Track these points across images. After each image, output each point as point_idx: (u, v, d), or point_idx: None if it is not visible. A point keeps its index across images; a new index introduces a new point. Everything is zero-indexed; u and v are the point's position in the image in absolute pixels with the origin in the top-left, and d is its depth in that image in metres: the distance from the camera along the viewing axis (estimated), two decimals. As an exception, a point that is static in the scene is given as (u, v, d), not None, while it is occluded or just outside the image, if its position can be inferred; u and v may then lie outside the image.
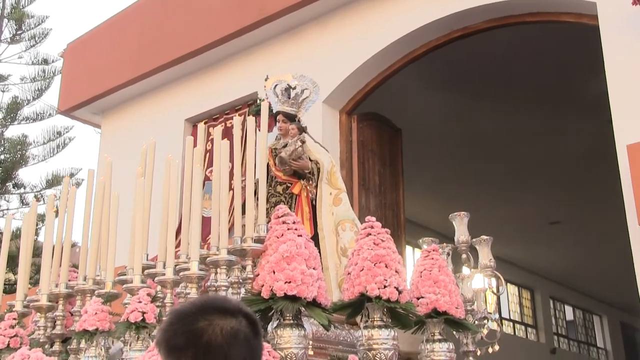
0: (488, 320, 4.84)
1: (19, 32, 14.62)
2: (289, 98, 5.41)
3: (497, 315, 4.90)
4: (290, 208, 4.91)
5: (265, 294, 3.40)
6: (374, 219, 3.89)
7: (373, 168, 7.67)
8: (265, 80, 5.64)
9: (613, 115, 5.65)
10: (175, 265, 3.68)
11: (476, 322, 4.70)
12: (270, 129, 5.58)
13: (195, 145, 3.94)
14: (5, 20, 14.68)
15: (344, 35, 7.51)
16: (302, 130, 5.41)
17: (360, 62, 7.33)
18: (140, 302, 3.43)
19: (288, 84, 5.43)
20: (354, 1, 7.51)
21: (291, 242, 3.43)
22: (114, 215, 3.95)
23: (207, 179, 5.50)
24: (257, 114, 5.47)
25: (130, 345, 3.47)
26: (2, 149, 13.90)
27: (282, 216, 3.57)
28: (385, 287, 3.57)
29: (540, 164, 10.88)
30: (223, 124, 8.09)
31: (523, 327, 16.38)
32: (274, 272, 3.39)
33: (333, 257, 4.94)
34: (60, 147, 14.10)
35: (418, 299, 3.93)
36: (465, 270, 4.97)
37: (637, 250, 5.16)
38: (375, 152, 7.75)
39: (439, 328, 3.98)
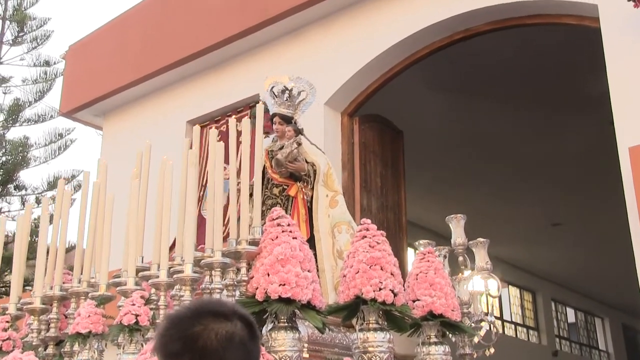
0: (488, 318, 4.80)
1: (21, 34, 14.68)
2: (286, 100, 5.40)
3: (493, 318, 4.86)
4: (286, 210, 4.90)
5: (259, 297, 3.39)
6: (369, 221, 3.86)
7: (375, 170, 7.65)
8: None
9: (615, 117, 5.62)
10: (170, 268, 3.66)
11: (472, 324, 4.67)
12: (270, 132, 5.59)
13: (190, 147, 3.92)
14: (8, 22, 14.74)
15: (346, 37, 7.50)
16: (299, 132, 5.40)
17: (362, 64, 7.31)
18: (133, 304, 3.41)
19: (285, 86, 5.43)
20: (356, 3, 7.50)
21: (286, 245, 3.42)
22: (109, 217, 3.94)
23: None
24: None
25: (123, 348, 3.45)
26: (4, 150, 13.94)
27: (276, 218, 3.56)
28: (380, 289, 3.56)
29: (542, 165, 10.85)
30: (224, 126, 8.07)
31: (525, 330, 16.34)
32: (269, 275, 3.38)
33: (329, 259, 4.93)
34: (62, 149, 14.14)
35: (414, 301, 3.92)
36: (465, 272, 4.95)
37: (639, 253, 5.13)
38: (376, 153, 7.73)
39: (435, 331, 3.96)
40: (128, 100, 9.39)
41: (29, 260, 4.96)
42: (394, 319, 3.77)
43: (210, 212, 3.64)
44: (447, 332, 4.19)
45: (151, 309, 3.60)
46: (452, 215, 4.94)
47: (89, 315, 3.62)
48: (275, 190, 5.22)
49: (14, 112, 14.14)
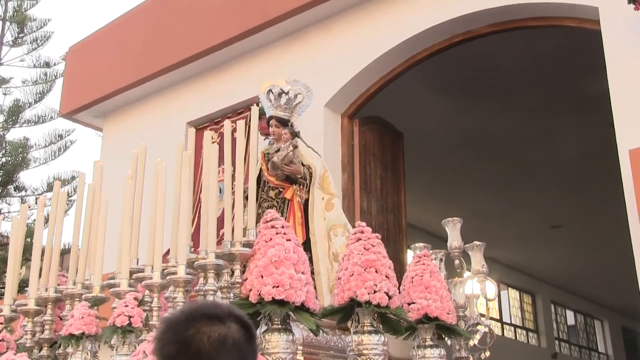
0: (484, 321, 4.78)
1: (21, 35, 14.72)
2: (282, 103, 5.39)
3: (489, 321, 4.84)
4: (282, 213, 4.90)
5: (253, 299, 3.38)
6: (364, 223, 3.85)
7: (375, 172, 7.63)
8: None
9: (615, 120, 5.60)
10: (164, 270, 3.65)
11: (469, 328, 4.65)
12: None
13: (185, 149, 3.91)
14: (8, 23, 14.77)
15: (346, 39, 7.48)
16: (295, 135, 5.39)
17: (363, 66, 7.29)
18: (127, 306, 3.40)
19: (281, 89, 5.42)
20: (356, 5, 7.49)
21: (280, 247, 3.41)
22: (103, 219, 3.93)
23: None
24: (258, 118, 5.45)
25: (116, 350, 3.44)
26: (4, 151, 13.97)
27: (270, 220, 3.55)
28: (375, 292, 3.55)
29: (541, 167, 10.83)
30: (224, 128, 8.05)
31: (524, 332, 16.32)
32: (262, 277, 3.37)
33: (325, 262, 4.92)
34: (62, 150, 14.16)
35: (409, 304, 3.91)
36: (460, 275, 4.93)
37: (638, 255, 5.11)
38: (376, 155, 7.72)
39: (431, 334, 3.95)
40: (128, 102, 9.38)
41: (28, 261, 4.95)
42: (389, 321, 3.77)
43: (204, 214, 3.63)
44: (443, 335, 4.17)
45: (145, 310, 3.59)
46: (448, 219, 4.93)
47: (82, 317, 3.61)
48: (272, 193, 5.21)
49: (14, 113, 14.17)
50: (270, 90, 5.46)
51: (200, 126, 7.98)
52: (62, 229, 4.26)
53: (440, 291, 3.89)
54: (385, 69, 7.42)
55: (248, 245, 3.61)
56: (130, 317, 3.40)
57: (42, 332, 4.20)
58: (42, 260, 4.32)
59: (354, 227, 4.10)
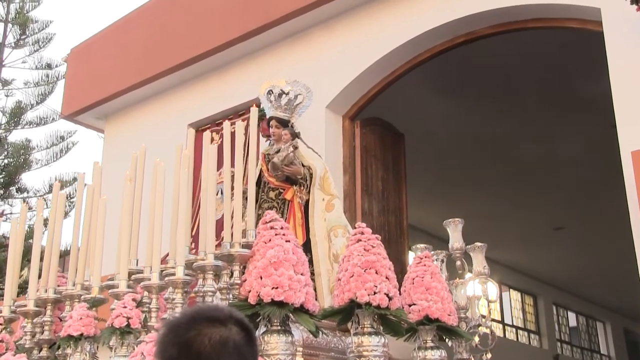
0: (485, 323, 4.76)
1: (23, 36, 14.75)
2: (283, 104, 5.38)
3: (490, 323, 4.82)
4: (282, 214, 4.90)
5: (252, 300, 3.37)
6: (364, 224, 3.83)
7: (376, 173, 7.62)
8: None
9: (617, 121, 5.58)
10: (162, 271, 3.63)
11: (470, 329, 4.63)
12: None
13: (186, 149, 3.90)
14: (10, 24, 14.81)
15: (347, 40, 7.47)
16: (295, 135, 5.38)
17: (364, 67, 7.28)
18: (125, 307, 3.39)
19: (281, 90, 5.41)
20: (357, 7, 7.47)
21: (279, 248, 3.40)
22: (102, 220, 3.92)
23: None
24: (259, 119, 5.44)
25: (115, 351, 3.42)
26: (6, 153, 13.99)
27: (269, 221, 3.53)
28: (375, 293, 3.54)
29: (544, 168, 10.82)
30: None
31: (526, 333, 16.31)
32: (261, 278, 3.36)
33: (325, 263, 4.90)
34: (64, 151, 14.19)
35: (410, 305, 3.89)
36: (462, 277, 4.91)
37: (641, 257, 5.08)
38: (378, 157, 7.70)
39: (431, 335, 3.93)
40: (130, 103, 9.38)
41: (29, 263, 4.95)
42: (389, 323, 3.75)
43: (203, 215, 3.62)
44: (444, 337, 4.15)
45: (143, 311, 3.57)
46: (449, 220, 4.91)
47: (81, 318, 3.60)
48: (272, 194, 5.20)
49: (16, 115, 14.20)
50: (270, 91, 5.45)
51: (201, 128, 7.97)
52: (61, 230, 4.25)
53: (441, 292, 3.87)
54: (387, 70, 7.40)
55: (247, 246, 3.60)
56: (128, 318, 3.38)
57: (42, 333, 4.19)
58: (41, 261, 4.31)
59: (354, 228, 4.08)
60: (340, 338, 4.24)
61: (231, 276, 3.62)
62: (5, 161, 13.94)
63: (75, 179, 13.44)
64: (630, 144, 5.38)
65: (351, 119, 7.60)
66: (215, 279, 3.63)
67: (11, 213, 14.01)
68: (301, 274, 3.41)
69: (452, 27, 6.92)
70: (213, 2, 8.47)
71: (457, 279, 4.84)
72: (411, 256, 8.68)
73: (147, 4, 9.41)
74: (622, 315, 18.93)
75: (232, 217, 3.82)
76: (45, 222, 9.42)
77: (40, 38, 14.82)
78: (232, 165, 3.95)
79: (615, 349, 18.87)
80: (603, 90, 6.03)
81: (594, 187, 11.07)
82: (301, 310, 3.41)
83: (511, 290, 15.85)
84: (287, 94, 5.41)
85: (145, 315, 3.57)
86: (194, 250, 4.34)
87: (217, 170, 5.63)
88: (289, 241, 3.47)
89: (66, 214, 9.32)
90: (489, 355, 4.65)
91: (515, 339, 15.72)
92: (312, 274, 4.46)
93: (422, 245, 4.64)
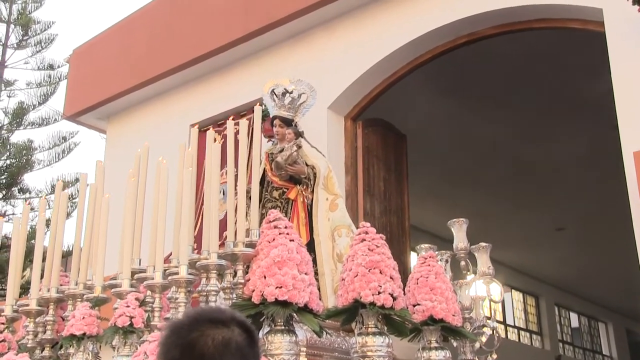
0: (490, 324, 4.74)
1: (25, 37, 14.77)
2: (286, 103, 5.36)
3: (495, 323, 4.80)
4: (286, 213, 4.88)
5: (256, 299, 3.35)
6: (368, 224, 3.82)
7: (378, 174, 7.61)
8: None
9: (619, 122, 5.58)
10: (166, 270, 3.62)
11: (475, 330, 4.61)
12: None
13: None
14: (12, 25, 14.82)
15: (349, 41, 7.47)
16: (299, 135, 5.37)
17: (366, 68, 7.28)
18: (128, 306, 3.38)
19: (285, 89, 5.39)
20: (359, 8, 7.47)
21: (283, 247, 3.38)
22: (105, 219, 3.91)
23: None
24: (262, 119, 5.42)
25: (118, 350, 3.41)
26: (8, 153, 14.00)
27: (273, 221, 3.52)
28: (379, 293, 3.52)
29: (545, 169, 10.81)
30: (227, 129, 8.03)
31: (528, 334, 16.30)
32: (265, 277, 3.34)
33: (329, 263, 4.88)
34: (66, 152, 14.20)
35: (414, 306, 3.87)
36: (466, 277, 4.89)
37: (643, 258, 5.07)
38: (380, 158, 7.70)
39: (436, 336, 3.91)
40: (132, 104, 9.38)
41: (31, 263, 4.93)
42: (394, 323, 3.73)
43: (207, 214, 3.60)
44: (448, 337, 4.13)
45: (146, 311, 3.56)
46: (454, 220, 4.90)
47: (84, 317, 3.58)
48: (275, 193, 5.18)
49: (18, 115, 14.22)
50: (273, 90, 5.44)
51: (203, 128, 7.96)
52: (64, 229, 4.24)
53: (446, 293, 3.86)
54: (389, 71, 7.40)
55: (251, 245, 3.58)
56: (131, 317, 3.37)
57: (44, 332, 4.18)
58: (44, 261, 4.30)
59: (358, 228, 4.07)
60: (344, 338, 4.22)
61: (234, 275, 3.61)
62: (8, 162, 13.96)
63: (77, 180, 13.45)
64: (632, 144, 5.38)
65: (353, 119, 7.59)
66: (219, 279, 3.62)
67: (13, 214, 14.02)
68: (305, 274, 3.39)
69: (454, 27, 6.92)
70: (215, 3, 8.47)
71: (461, 280, 4.82)
72: (413, 257, 8.69)
73: (149, 4, 9.42)
74: (624, 316, 18.91)
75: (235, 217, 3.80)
76: (48, 223, 9.46)
77: (42, 39, 14.86)
78: (236, 164, 3.94)
79: (617, 350, 18.84)
80: (605, 90, 6.02)
81: (595, 188, 11.06)
82: (305, 310, 3.39)
83: (513, 290, 15.83)
84: (291, 93, 5.39)
85: (148, 315, 3.56)
86: (195, 251, 4.33)
87: (220, 170, 5.62)
88: (293, 240, 3.45)
89: (68, 215, 9.31)
90: (495, 356, 4.63)
91: (517, 340, 15.71)
92: (316, 273, 4.45)
93: (427, 245, 4.62)
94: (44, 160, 14.24)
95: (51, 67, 14.86)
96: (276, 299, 3.29)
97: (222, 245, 3.85)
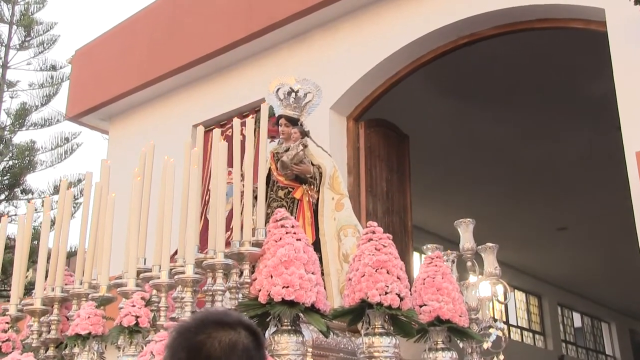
0: (497, 325, 4.72)
1: (27, 38, 14.78)
2: (292, 102, 5.35)
3: (502, 325, 4.78)
4: (291, 213, 4.85)
5: (262, 299, 3.33)
6: (375, 224, 3.80)
7: (380, 174, 7.61)
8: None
9: (622, 122, 5.58)
10: (171, 269, 3.61)
11: (481, 331, 4.59)
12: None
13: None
14: (15, 26, 14.83)
15: (351, 42, 7.46)
16: (305, 134, 5.35)
17: (368, 68, 7.28)
18: (134, 305, 3.36)
19: (291, 88, 5.38)
20: (361, 8, 7.47)
21: (289, 246, 3.36)
22: (110, 218, 3.89)
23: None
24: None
25: (123, 350, 3.39)
26: (11, 154, 14.00)
27: (280, 220, 3.50)
28: (386, 293, 3.50)
29: (547, 169, 10.82)
30: (230, 130, 8.02)
31: (531, 334, 16.30)
32: (272, 277, 3.32)
33: (335, 262, 4.87)
34: (68, 152, 14.22)
35: (421, 306, 3.86)
36: (473, 278, 4.87)
37: (646, 258, 5.07)
38: (382, 158, 7.70)
39: (442, 336, 3.89)
40: (134, 105, 9.37)
41: (34, 264, 4.93)
42: (400, 323, 3.71)
43: (213, 213, 3.59)
44: (455, 338, 4.12)
45: (152, 310, 3.54)
46: (460, 220, 4.88)
47: (89, 317, 3.56)
48: (281, 193, 5.16)
49: (21, 116, 14.22)
50: (279, 89, 5.42)
51: (206, 129, 7.95)
52: (68, 228, 4.22)
53: (452, 293, 3.84)
54: (391, 71, 7.39)
55: (257, 244, 3.56)
56: (137, 317, 3.35)
57: (49, 332, 4.16)
58: (48, 261, 4.29)
59: (364, 227, 4.05)
60: (349, 339, 4.21)
61: (241, 275, 3.59)
62: (10, 162, 13.96)
63: (80, 180, 13.44)
64: (634, 144, 5.38)
65: (355, 120, 7.59)
66: (224, 278, 3.61)
67: (15, 215, 14.00)
68: (312, 273, 3.37)
69: (456, 28, 6.91)
70: (217, 4, 8.46)
71: (468, 280, 4.80)
72: (416, 257, 8.69)
73: (151, 5, 9.41)
74: (627, 316, 18.92)
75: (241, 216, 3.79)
76: (52, 223, 9.46)
77: (44, 40, 14.87)
78: (241, 163, 3.93)
79: (620, 350, 18.84)
80: (607, 90, 6.01)
81: (597, 188, 11.06)
82: (312, 310, 3.37)
83: (516, 291, 15.83)
84: (297, 92, 5.37)
85: (154, 314, 3.54)
86: (199, 250, 4.31)
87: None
88: (299, 240, 3.43)
89: (72, 215, 9.31)
90: (502, 357, 4.61)
91: (520, 340, 15.71)
92: (322, 273, 4.43)
93: (433, 245, 4.60)
94: (47, 161, 14.27)
95: (53, 68, 14.87)
96: (283, 298, 3.27)
97: (226, 244, 3.83)
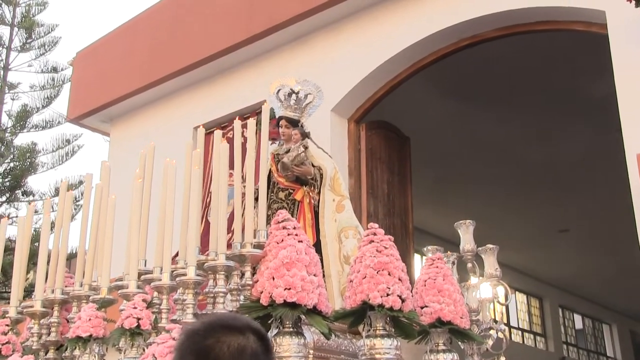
0: (498, 326, 4.72)
1: (29, 40, 14.81)
2: (293, 103, 5.34)
3: (503, 326, 4.78)
4: (292, 214, 4.84)
5: (264, 301, 3.32)
6: (376, 225, 3.80)
7: (381, 176, 7.61)
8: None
9: (622, 124, 5.58)
10: (173, 271, 3.60)
11: (482, 332, 4.59)
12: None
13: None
14: (16, 28, 14.85)
15: (352, 44, 7.47)
16: (305, 135, 5.35)
17: (369, 70, 7.28)
18: (135, 308, 3.35)
19: (291, 89, 5.37)
20: (361, 10, 7.47)
21: (291, 248, 3.35)
22: (111, 219, 3.89)
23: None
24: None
25: (124, 353, 3.39)
26: (12, 156, 14.01)
27: (282, 221, 3.49)
28: (388, 295, 3.49)
29: (549, 171, 10.81)
30: (231, 132, 8.03)
31: (532, 336, 16.30)
32: (274, 279, 3.31)
33: (335, 264, 4.86)
34: (69, 154, 14.24)
35: (422, 308, 3.85)
36: (474, 279, 4.87)
37: (647, 260, 5.06)
38: (383, 160, 7.69)
39: (444, 338, 3.89)
40: (135, 107, 9.38)
41: (35, 266, 4.92)
42: (402, 325, 3.70)
43: (214, 214, 3.58)
44: (456, 340, 4.11)
45: (153, 312, 3.53)
46: (461, 221, 4.87)
47: (90, 319, 3.56)
48: (281, 194, 5.16)
49: (22, 118, 14.24)
50: (279, 91, 5.42)
51: (207, 131, 7.95)
52: (68, 229, 4.21)
53: (454, 295, 3.83)
54: (392, 73, 7.40)
55: (259, 246, 3.56)
56: (139, 319, 3.34)
57: (49, 334, 4.15)
58: (48, 264, 4.28)
59: (364, 229, 4.05)
60: (351, 340, 4.20)
61: (242, 277, 3.58)
62: (11, 164, 13.97)
63: (81, 182, 13.43)
64: (635, 146, 5.38)
65: (356, 122, 7.59)
66: (226, 280, 3.60)
67: (17, 216, 14.00)
68: (314, 275, 3.36)
69: (457, 30, 6.92)
70: (218, 5, 8.47)
71: (469, 281, 4.80)
72: (417, 258, 8.70)
73: (152, 7, 9.42)
74: (629, 317, 18.91)
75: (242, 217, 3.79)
76: (52, 225, 9.47)
77: (46, 42, 14.90)
78: (242, 165, 3.93)
79: (621, 351, 18.82)
80: (608, 92, 6.01)
81: (599, 189, 11.07)
82: (314, 311, 3.36)
83: (517, 292, 15.83)
84: (297, 93, 5.37)
85: (156, 316, 3.54)
86: (200, 252, 4.30)
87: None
88: (301, 241, 3.42)
89: (72, 217, 9.32)
90: (503, 359, 4.60)
91: (521, 342, 15.70)
92: (323, 275, 4.43)
93: (434, 247, 4.60)
94: (48, 163, 14.30)
95: (55, 69, 14.90)
96: (285, 300, 3.26)
97: (228, 246, 3.83)
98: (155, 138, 8.34)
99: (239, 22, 8.08)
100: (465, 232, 4.84)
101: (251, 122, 3.76)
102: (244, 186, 3.77)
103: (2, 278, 12.61)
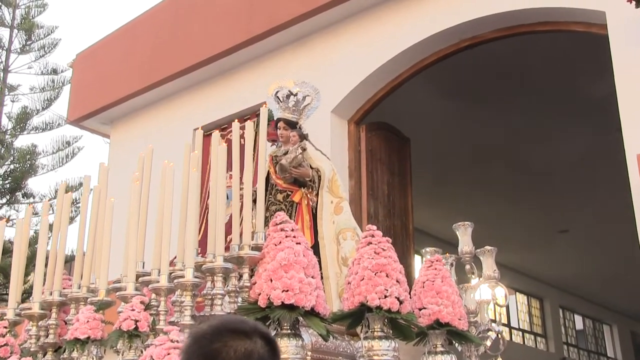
0: (495, 328, 4.71)
1: (28, 42, 14.81)
2: (291, 105, 5.34)
3: (500, 327, 4.77)
4: (290, 216, 4.84)
5: (262, 303, 3.32)
6: (374, 227, 3.79)
7: (382, 177, 7.61)
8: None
9: (622, 124, 5.57)
10: (171, 273, 3.60)
11: (480, 334, 4.58)
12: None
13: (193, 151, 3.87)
14: (15, 30, 14.85)
15: (352, 45, 7.46)
16: (304, 137, 5.34)
17: (369, 71, 7.27)
18: (133, 310, 3.35)
19: (289, 91, 5.37)
20: (362, 11, 7.47)
21: (289, 250, 3.35)
22: (109, 221, 3.89)
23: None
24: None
25: (122, 355, 3.39)
26: (12, 158, 14.00)
27: (280, 223, 3.49)
28: (386, 297, 3.49)
29: (549, 171, 10.81)
30: (231, 134, 8.03)
31: (532, 337, 16.29)
32: (272, 280, 3.32)
33: (334, 266, 4.85)
34: (69, 156, 14.23)
35: (420, 309, 3.85)
36: (472, 281, 4.87)
37: (647, 260, 5.06)
38: (383, 161, 7.69)
39: (442, 340, 3.89)
40: (135, 108, 9.38)
41: (34, 268, 4.91)
42: (400, 327, 3.70)
43: (212, 216, 3.58)
44: (454, 341, 4.11)
45: (151, 314, 3.53)
46: (459, 223, 4.87)
47: (88, 321, 3.56)
48: (279, 196, 5.15)
49: (22, 120, 14.24)
50: (277, 92, 5.41)
51: (207, 132, 7.96)
52: (67, 231, 4.22)
53: (452, 296, 3.83)
54: (392, 74, 7.39)
55: (256, 248, 3.56)
56: (136, 321, 3.34)
57: (47, 336, 4.15)
58: (46, 267, 4.28)
59: (362, 231, 4.05)
60: (349, 342, 4.20)
61: (240, 279, 3.58)
62: (11, 166, 13.96)
63: (81, 184, 13.42)
64: (635, 146, 5.38)
65: (356, 123, 7.58)
66: (224, 282, 3.60)
67: (17, 218, 14.01)
68: (312, 277, 3.37)
69: (457, 31, 6.91)
70: (218, 6, 8.47)
71: (467, 283, 4.79)
72: (417, 259, 8.69)
73: (152, 9, 9.42)
74: (629, 318, 18.89)
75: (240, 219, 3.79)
76: (51, 227, 9.47)
77: (45, 44, 14.90)
78: (241, 167, 3.92)
79: (622, 352, 18.80)
80: (608, 92, 6.01)
81: (599, 190, 11.06)
82: (312, 313, 3.37)
83: (517, 293, 15.82)
84: (295, 95, 5.37)
85: (154, 318, 3.54)
86: (199, 254, 4.30)
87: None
88: (299, 243, 3.43)
89: (71, 220, 9.33)
90: (500, 360, 4.60)
91: (521, 342, 15.69)
92: (321, 277, 4.43)
93: (432, 249, 4.59)
94: (48, 165, 14.28)
95: (54, 71, 14.90)
96: (282, 302, 3.26)
97: (226, 248, 3.83)
98: (155, 140, 8.36)
99: (239, 23, 8.08)
100: (464, 233, 4.83)
101: (249, 124, 3.76)
102: (243, 188, 3.78)
103: (2, 280, 12.62)
